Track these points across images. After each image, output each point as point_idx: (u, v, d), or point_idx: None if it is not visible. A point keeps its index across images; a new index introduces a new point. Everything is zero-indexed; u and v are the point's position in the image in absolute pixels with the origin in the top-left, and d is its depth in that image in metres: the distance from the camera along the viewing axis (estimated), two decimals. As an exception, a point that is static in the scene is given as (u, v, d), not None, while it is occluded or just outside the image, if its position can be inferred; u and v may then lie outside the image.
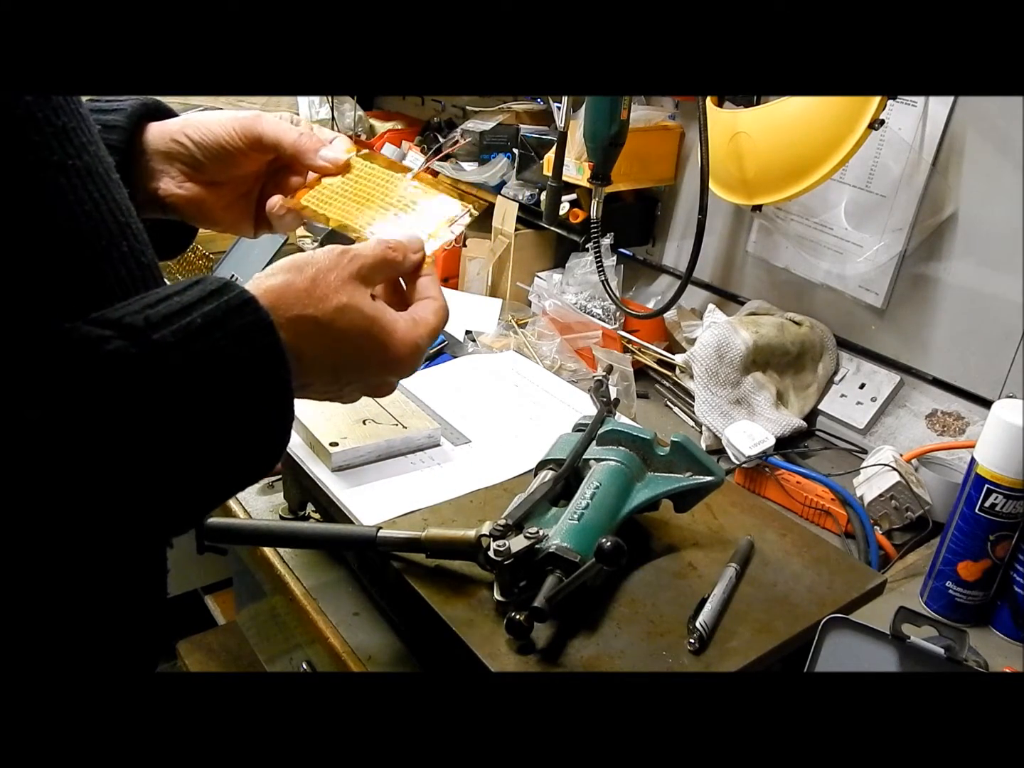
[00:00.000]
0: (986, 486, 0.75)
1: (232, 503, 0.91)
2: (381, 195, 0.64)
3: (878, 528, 0.92)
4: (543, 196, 1.29)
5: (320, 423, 0.80)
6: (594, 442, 0.75)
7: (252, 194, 0.66)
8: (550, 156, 1.23)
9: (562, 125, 1.18)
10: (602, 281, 1.23)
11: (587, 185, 1.20)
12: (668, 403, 1.20)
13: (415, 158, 1.64)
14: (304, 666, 0.90)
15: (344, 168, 0.64)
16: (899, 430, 1.09)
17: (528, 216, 1.40)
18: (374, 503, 0.74)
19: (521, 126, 1.46)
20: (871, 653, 0.61)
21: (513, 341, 1.24)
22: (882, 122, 0.93)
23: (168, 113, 0.62)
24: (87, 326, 0.37)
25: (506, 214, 1.42)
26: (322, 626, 0.76)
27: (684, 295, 1.13)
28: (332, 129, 1.73)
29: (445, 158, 1.60)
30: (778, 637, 0.63)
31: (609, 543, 0.58)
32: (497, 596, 0.62)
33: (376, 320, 0.50)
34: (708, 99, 1.07)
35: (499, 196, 1.43)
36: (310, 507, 0.86)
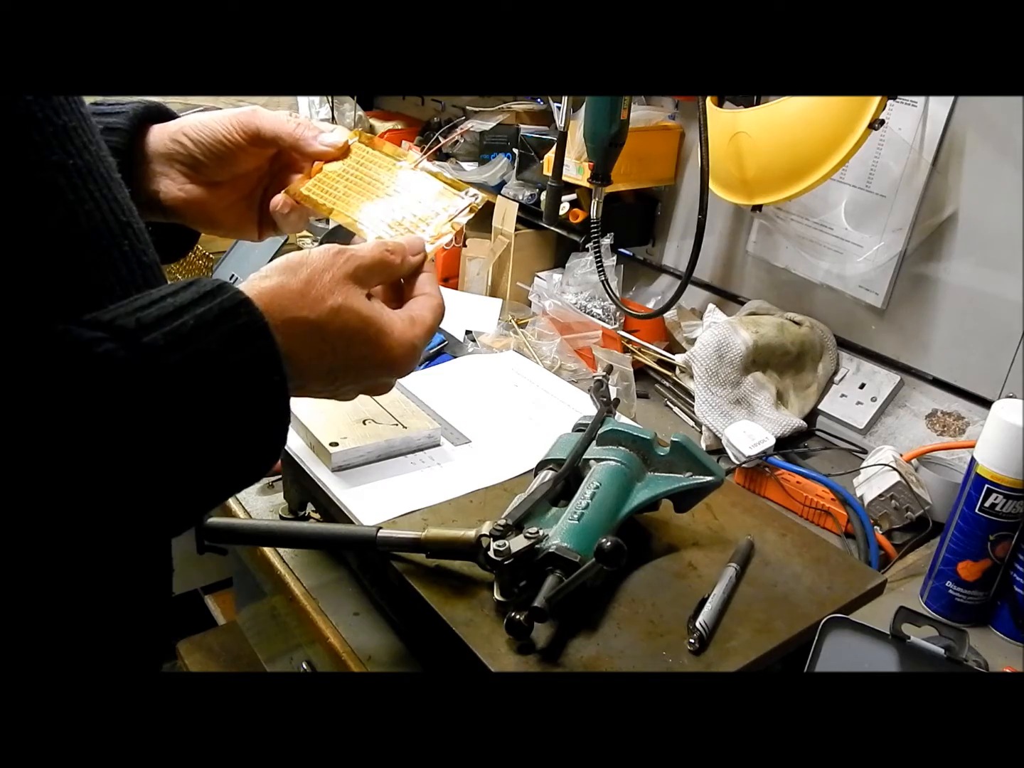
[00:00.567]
0: (986, 486, 0.75)
1: (232, 503, 0.91)
2: (383, 183, 0.62)
3: (878, 528, 0.92)
4: (543, 196, 1.29)
5: (320, 423, 0.80)
6: (594, 442, 0.75)
7: (254, 196, 0.66)
8: (550, 156, 1.23)
9: (562, 125, 1.18)
10: (602, 281, 1.23)
11: (587, 185, 1.20)
12: (668, 403, 1.20)
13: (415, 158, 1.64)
14: (304, 666, 0.90)
15: (344, 150, 0.63)
16: (899, 430, 1.09)
17: (528, 216, 1.40)
18: (374, 503, 0.74)
19: (521, 126, 1.46)
20: (871, 653, 0.61)
21: (513, 341, 1.24)
22: (882, 122, 0.93)
23: (170, 115, 0.62)
24: (79, 328, 0.36)
25: (506, 214, 1.42)
26: (322, 626, 0.76)
27: (684, 295, 1.13)
28: (332, 129, 1.74)
29: (445, 158, 1.60)
30: (778, 637, 0.63)
31: (609, 543, 0.58)
32: (497, 596, 0.62)
33: (372, 321, 0.49)
34: (708, 99, 1.07)
35: (499, 196, 1.43)
36: (310, 507, 0.86)
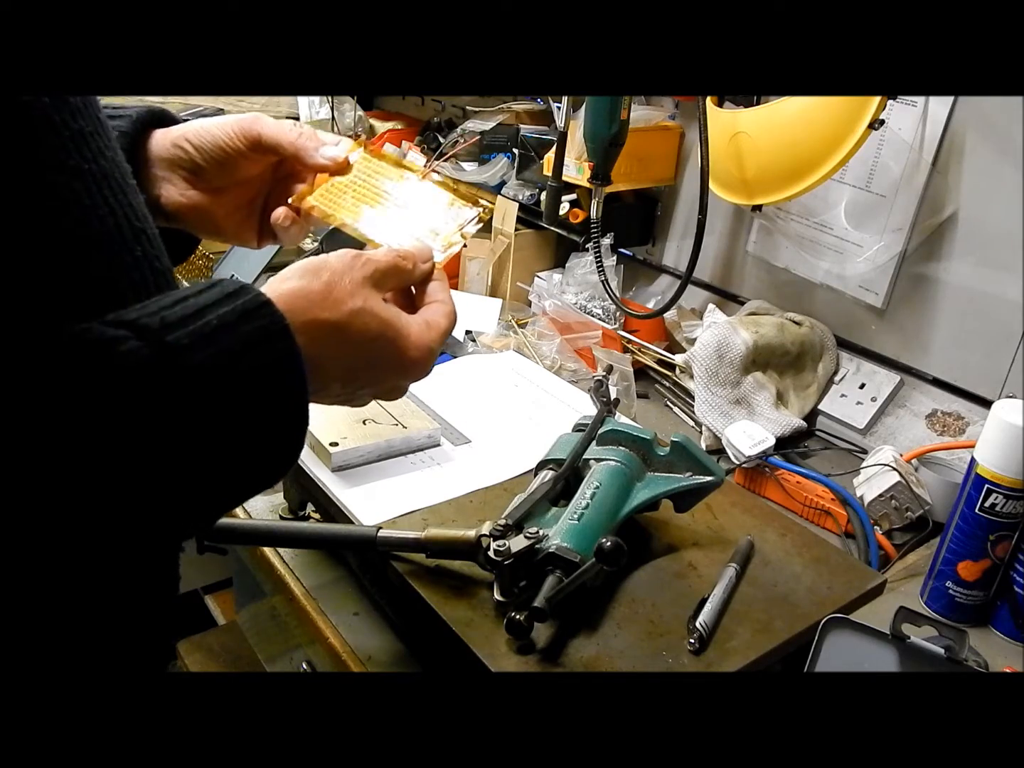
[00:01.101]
0: (986, 486, 0.75)
1: (232, 503, 0.91)
2: (391, 194, 0.62)
3: (878, 528, 0.92)
4: (543, 196, 1.29)
5: (320, 423, 0.80)
6: (594, 442, 0.75)
7: (255, 203, 0.66)
8: (550, 156, 1.23)
9: (562, 125, 1.18)
10: (602, 281, 1.23)
11: (587, 185, 1.20)
12: (668, 403, 1.20)
13: (415, 158, 1.64)
14: (304, 666, 0.90)
15: (345, 165, 0.63)
16: (899, 430, 1.09)
17: (528, 216, 1.40)
18: (374, 503, 0.74)
19: (521, 126, 1.46)
20: (871, 653, 0.61)
21: (513, 341, 1.24)
22: (882, 122, 0.93)
23: (173, 120, 0.62)
24: (102, 326, 0.37)
25: (506, 214, 1.42)
26: (322, 626, 0.76)
27: (684, 295, 1.13)
28: (332, 130, 1.74)
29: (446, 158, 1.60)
30: (778, 637, 0.63)
31: (609, 543, 0.58)
32: (497, 596, 0.62)
33: (390, 323, 0.50)
34: (708, 99, 1.07)
35: (499, 196, 1.43)
36: (310, 507, 0.86)
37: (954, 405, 1.06)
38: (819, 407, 1.16)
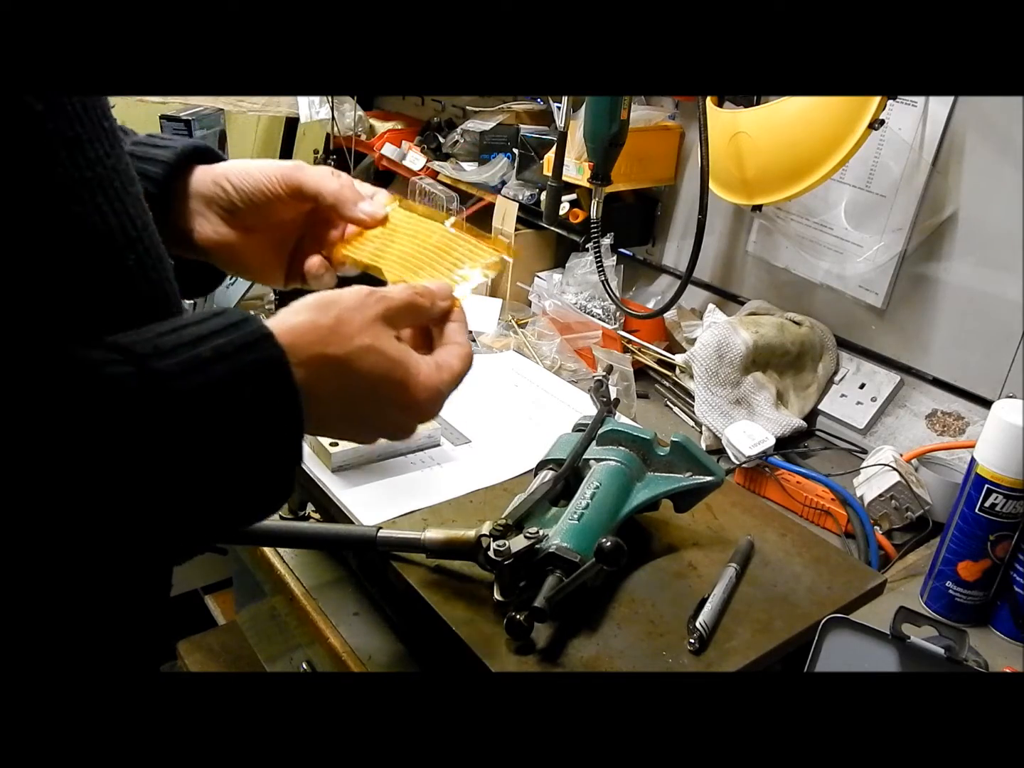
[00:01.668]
0: (986, 486, 0.75)
1: (232, 503, 0.91)
2: (421, 245, 0.63)
3: (878, 528, 0.92)
4: (543, 196, 1.29)
5: (320, 423, 0.80)
6: (594, 442, 0.75)
7: (286, 245, 0.65)
8: (550, 156, 1.23)
9: (562, 125, 1.18)
10: (602, 281, 1.23)
11: (587, 185, 1.20)
12: (668, 403, 1.20)
13: (415, 158, 1.64)
14: (304, 666, 0.90)
15: (382, 222, 0.63)
16: (899, 430, 1.09)
17: (528, 216, 1.40)
18: (374, 503, 0.74)
19: (521, 126, 1.46)
20: (871, 653, 0.61)
21: (513, 341, 1.24)
22: (882, 122, 0.93)
23: (217, 158, 0.62)
24: (95, 349, 0.36)
25: (506, 214, 1.42)
26: (322, 626, 0.76)
27: (684, 295, 1.13)
28: (332, 129, 1.74)
29: (445, 158, 1.60)
30: (778, 637, 0.63)
31: (609, 543, 0.58)
32: (497, 596, 0.62)
33: (399, 363, 0.49)
34: (708, 99, 1.07)
35: (499, 196, 1.43)
36: (310, 507, 0.86)
37: (954, 405, 1.06)
38: (819, 407, 1.16)
